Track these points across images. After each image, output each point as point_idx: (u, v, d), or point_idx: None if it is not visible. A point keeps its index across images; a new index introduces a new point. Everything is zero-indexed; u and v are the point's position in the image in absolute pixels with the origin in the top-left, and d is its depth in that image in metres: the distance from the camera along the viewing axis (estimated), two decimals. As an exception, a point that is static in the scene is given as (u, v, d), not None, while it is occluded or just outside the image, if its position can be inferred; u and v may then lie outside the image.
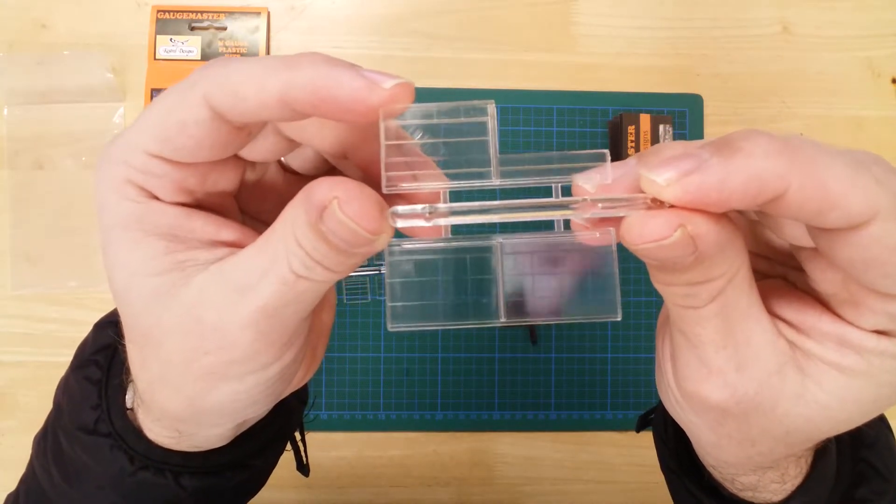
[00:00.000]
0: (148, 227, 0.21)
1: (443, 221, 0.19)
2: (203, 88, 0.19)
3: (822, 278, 0.20)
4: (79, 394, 0.27)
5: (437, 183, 0.20)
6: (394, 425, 0.60)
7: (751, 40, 0.63)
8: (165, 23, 0.58)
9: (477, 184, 0.20)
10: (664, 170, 0.17)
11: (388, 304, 0.20)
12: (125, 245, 0.21)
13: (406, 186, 0.20)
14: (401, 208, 0.19)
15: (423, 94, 0.61)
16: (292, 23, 0.61)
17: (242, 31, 0.59)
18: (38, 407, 0.59)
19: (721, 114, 0.63)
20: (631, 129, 0.59)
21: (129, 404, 0.27)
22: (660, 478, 0.66)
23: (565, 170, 0.20)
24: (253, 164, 0.24)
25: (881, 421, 0.30)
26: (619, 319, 0.19)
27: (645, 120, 0.60)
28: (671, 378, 0.23)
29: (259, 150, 0.23)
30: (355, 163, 0.23)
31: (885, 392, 0.20)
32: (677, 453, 0.30)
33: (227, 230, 0.22)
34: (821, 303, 0.21)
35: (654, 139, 0.60)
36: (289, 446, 0.35)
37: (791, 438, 0.22)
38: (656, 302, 0.61)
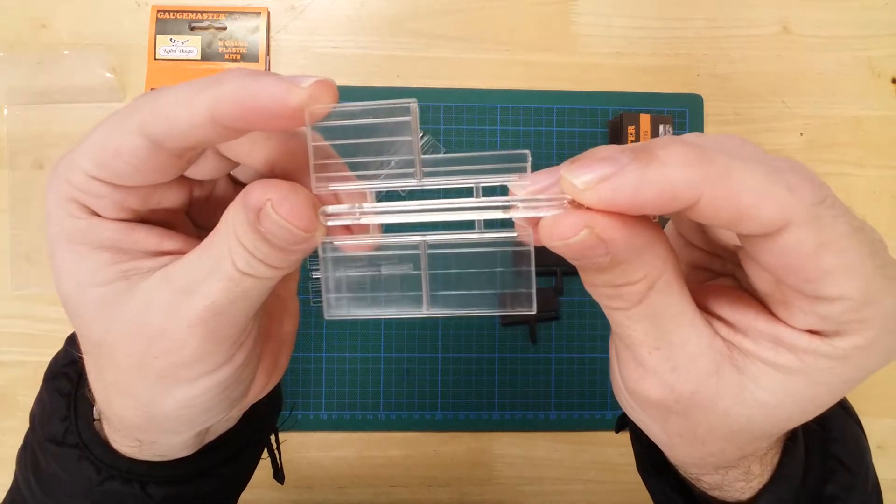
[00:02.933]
0: (91, 240, 0.21)
1: (370, 220, 0.21)
2: (138, 118, 0.19)
3: (758, 278, 0.21)
4: (49, 406, 0.28)
5: (363, 183, 0.21)
6: (394, 425, 0.60)
7: (751, 40, 0.63)
8: (165, 23, 0.58)
9: (401, 183, 0.21)
10: (582, 172, 0.18)
11: (324, 295, 0.22)
12: (70, 258, 0.21)
13: (334, 186, 0.21)
14: (330, 207, 0.20)
15: (423, 94, 0.61)
16: (292, 23, 0.61)
17: (242, 31, 0.59)
18: (38, 407, 0.59)
19: (721, 114, 0.63)
20: (631, 129, 0.59)
21: (96, 415, 0.27)
22: (660, 478, 0.65)
23: (487, 170, 0.20)
24: (200, 181, 0.24)
25: (848, 414, 0.30)
26: (533, 312, 0.20)
27: (645, 120, 0.60)
28: (618, 377, 0.23)
29: (201, 170, 0.23)
30: (285, 178, 0.24)
31: (821, 391, 0.20)
32: (650, 454, 0.30)
33: (171, 240, 0.22)
34: (759, 302, 0.21)
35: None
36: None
37: (737, 438, 0.22)
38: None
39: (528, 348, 0.61)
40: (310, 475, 0.60)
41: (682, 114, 0.62)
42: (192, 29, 0.59)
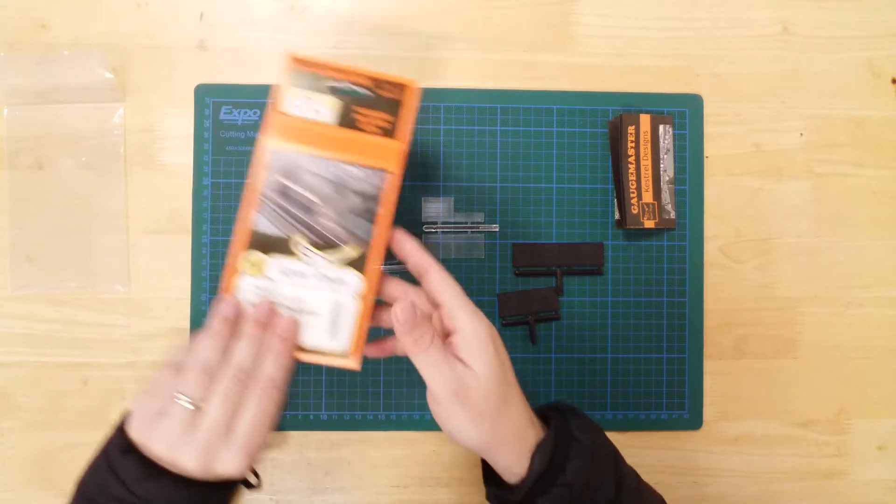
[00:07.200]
0: None
1: None
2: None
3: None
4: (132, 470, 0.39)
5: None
6: (394, 425, 0.60)
7: (751, 40, 0.63)
8: (301, 75, 0.46)
9: None
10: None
11: None
12: None
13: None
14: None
15: (423, 94, 0.61)
16: (292, 23, 0.61)
17: (380, 102, 0.46)
18: (38, 407, 0.59)
19: (721, 114, 0.63)
20: (631, 129, 0.59)
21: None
22: (660, 478, 0.66)
23: None
24: None
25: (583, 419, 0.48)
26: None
27: (645, 120, 0.60)
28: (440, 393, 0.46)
29: None
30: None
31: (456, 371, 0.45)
32: (486, 479, 0.48)
33: None
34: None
35: (654, 139, 0.60)
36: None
37: (468, 397, 0.44)
38: (656, 302, 0.61)
39: (528, 348, 0.61)
40: (309, 475, 0.60)
41: (682, 114, 0.62)
42: (332, 91, 0.46)
